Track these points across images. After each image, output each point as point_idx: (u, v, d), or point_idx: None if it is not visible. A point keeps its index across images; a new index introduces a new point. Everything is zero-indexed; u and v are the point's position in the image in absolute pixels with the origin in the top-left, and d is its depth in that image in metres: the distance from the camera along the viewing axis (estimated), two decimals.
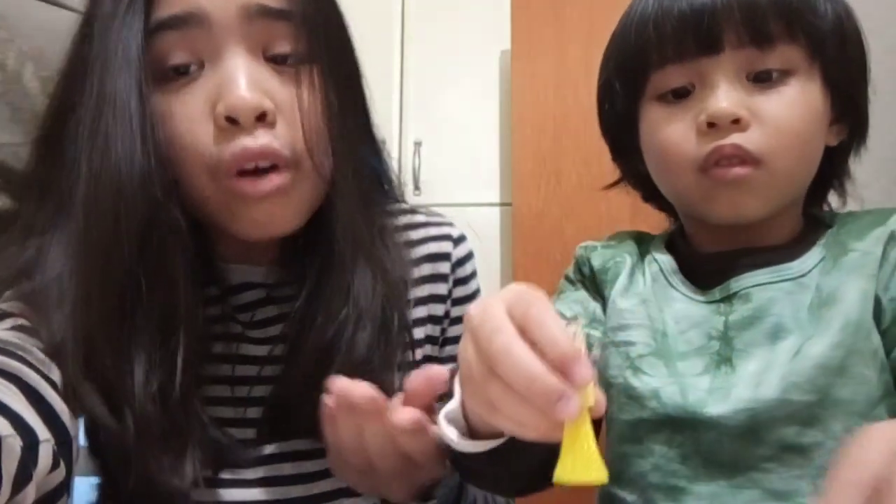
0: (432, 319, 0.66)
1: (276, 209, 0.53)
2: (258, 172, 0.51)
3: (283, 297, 0.60)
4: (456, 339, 0.67)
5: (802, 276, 0.55)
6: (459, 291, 0.68)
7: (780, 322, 0.53)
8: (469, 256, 0.70)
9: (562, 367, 0.33)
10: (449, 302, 0.67)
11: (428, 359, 0.66)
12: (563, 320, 0.36)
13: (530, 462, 0.43)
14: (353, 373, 0.51)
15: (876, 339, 0.51)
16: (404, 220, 0.68)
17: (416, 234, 0.67)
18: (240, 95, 0.49)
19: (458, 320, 0.68)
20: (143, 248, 0.50)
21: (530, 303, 0.36)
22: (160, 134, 0.51)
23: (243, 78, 0.50)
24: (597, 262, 0.65)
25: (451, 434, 0.44)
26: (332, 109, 0.55)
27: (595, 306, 0.64)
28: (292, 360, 0.57)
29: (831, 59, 0.55)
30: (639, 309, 0.60)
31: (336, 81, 0.56)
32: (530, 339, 0.34)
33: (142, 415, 0.49)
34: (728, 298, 0.56)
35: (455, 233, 0.69)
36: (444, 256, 0.67)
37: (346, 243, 0.57)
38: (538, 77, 1.79)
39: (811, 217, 0.62)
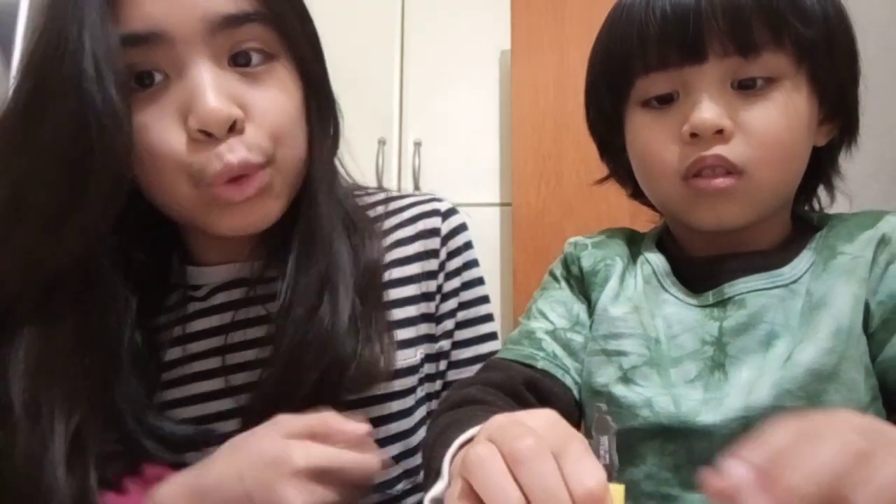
0: (426, 297, 0.67)
1: (257, 207, 0.55)
2: (238, 178, 0.53)
3: (264, 295, 0.61)
4: (452, 314, 0.68)
5: (794, 281, 0.54)
6: (452, 264, 0.68)
7: (772, 329, 0.53)
8: (460, 228, 0.70)
9: None
10: (441, 276, 0.67)
11: (427, 337, 0.67)
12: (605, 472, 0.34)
13: None
14: (332, 360, 0.54)
15: (864, 343, 0.51)
16: (394, 204, 0.69)
17: (406, 215, 0.69)
18: (210, 109, 0.50)
19: (453, 294, 0.68)
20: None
21: (569, 437, 0.35)
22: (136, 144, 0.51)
23: (211, 89, 0.51)
24: (587, 262, 0.64)
25: None
26: (302, 103, 0.57)
27: (579, 309, 0.63)
28: (275, 355, 0.58)
29: (819, 64, 0.54)
30: (631, 316, 0.59)
31: (304, 75, 0.58)
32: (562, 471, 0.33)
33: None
34: (722, 303, 0.56)
35: (443, 207, 0.70)
36: (434, 232, 0.68)
37: (321, 231, 0.59)
38: (538, 77, 1.79)
39: (799, 218, 0.61)
